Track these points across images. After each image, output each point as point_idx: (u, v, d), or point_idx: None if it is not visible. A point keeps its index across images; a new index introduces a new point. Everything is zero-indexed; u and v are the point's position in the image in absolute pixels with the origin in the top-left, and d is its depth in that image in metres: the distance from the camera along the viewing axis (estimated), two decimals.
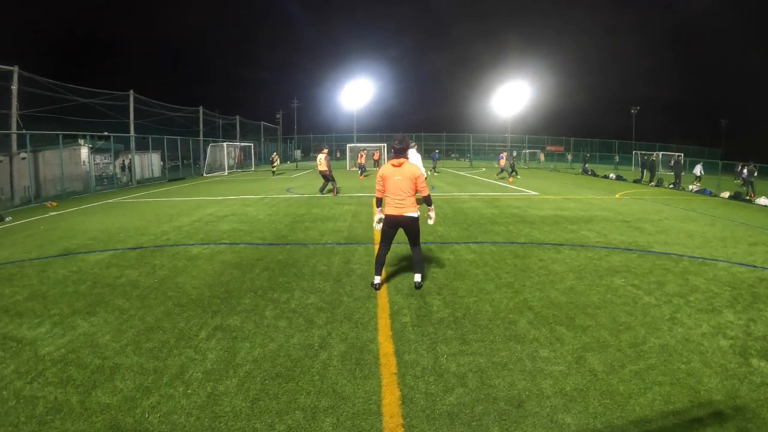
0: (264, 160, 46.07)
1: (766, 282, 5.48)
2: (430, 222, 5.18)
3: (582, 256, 6.67)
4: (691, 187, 19.41)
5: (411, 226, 4.93)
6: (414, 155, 8.84)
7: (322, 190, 15.45)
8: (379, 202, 5.00)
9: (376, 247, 7.17)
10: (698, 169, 24.11)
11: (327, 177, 15.29)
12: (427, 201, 5.07)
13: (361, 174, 26.40)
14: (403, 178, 4.74)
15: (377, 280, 5.07)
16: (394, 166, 4.79)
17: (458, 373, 3.26)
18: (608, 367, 3.35)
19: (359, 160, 27.68)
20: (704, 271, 5.91)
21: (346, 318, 4.30)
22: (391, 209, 4.82)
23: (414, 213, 4.84)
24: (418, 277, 5.11)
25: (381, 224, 4.97)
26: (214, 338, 3.86)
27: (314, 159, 58.93)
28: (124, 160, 23.97)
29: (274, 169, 28.17)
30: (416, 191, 4.87)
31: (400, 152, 4.80)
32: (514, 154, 29.73)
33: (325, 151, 15.40)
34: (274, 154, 29.19)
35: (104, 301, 4.82)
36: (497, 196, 15.20)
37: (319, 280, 5.49)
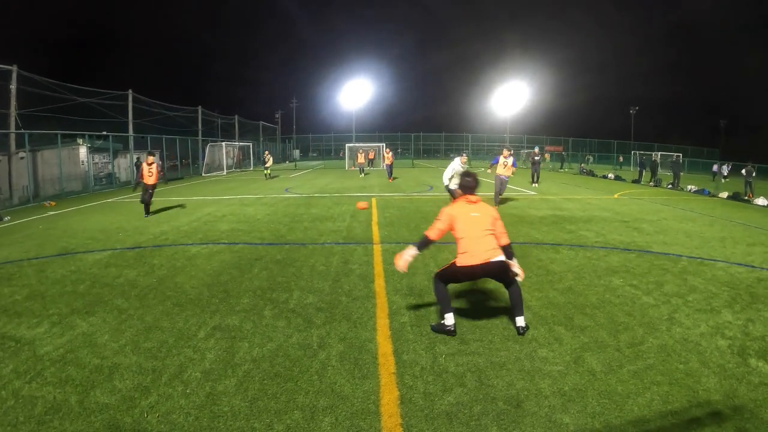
0: (263, 159, 46.03)
1: (764, 282, 5.49)
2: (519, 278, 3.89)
3: (580, 256, 6.67)
4: (689, 187, 19.45)
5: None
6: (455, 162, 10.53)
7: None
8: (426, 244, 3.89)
9: (375, 246, 7.18)
10: (725, 170, 24.14)
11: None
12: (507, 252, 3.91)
13: (361, 172, 26.27)
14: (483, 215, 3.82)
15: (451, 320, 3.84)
16: (470, 202, 3.87)
17: (457, 373, 3.27)
18: (607, 367, 3.35)
19: (359, 160, 27.20)
20: (703, 272, 5.92)
21: (345, 318, 4.30)
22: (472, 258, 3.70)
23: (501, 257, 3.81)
24: (521, 320, 3.91)
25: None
26: (212, 338, 3.86)
27: (314, 159, 58.84)
28: (138, 158, 23.96)
29: (267, 170, 24.73)
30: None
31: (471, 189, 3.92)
32: (536, 149, 22.44)
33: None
34: (266, 153, 25.73)
35: (103, 300, 4.82)
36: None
37: (317, 279, 5.49)
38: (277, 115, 66.81)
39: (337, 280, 5.48)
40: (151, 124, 26.58)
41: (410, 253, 3.82)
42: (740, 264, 6.36)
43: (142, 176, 10.49)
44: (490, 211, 3.91)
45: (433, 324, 4.00)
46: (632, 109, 63.38)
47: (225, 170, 32.04)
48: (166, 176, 26.13)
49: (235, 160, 38.15)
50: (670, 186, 21.01)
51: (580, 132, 63.74)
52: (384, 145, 33.55)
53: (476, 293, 4.97)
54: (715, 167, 29.66)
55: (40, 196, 16.18)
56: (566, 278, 5.54)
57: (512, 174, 12.28)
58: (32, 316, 4.40)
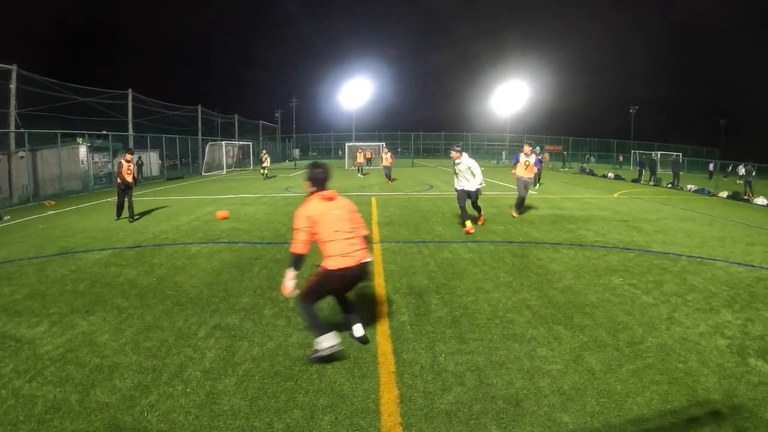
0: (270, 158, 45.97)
1: (763, 282, 5.50)
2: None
3: (580, 255, 6.68)
4: (689, 186, 19.46)
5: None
6: (467, 160, 8.21)
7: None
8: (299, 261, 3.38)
9: (375, 246, 7.19)
10: (741, 170, 24.26)
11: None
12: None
13: (360, 172, 25.21)
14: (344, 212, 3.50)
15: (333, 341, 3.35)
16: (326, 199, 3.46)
17: (456, 372, 3.27)
18: (606, 366, 3.36)
19: (358, 160, 25.68)
20: (702, 271, 5.92)
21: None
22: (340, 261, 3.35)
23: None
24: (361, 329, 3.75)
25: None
26: (212, 337, 3.87)
27: (314, 158, 58.90)
28: (140, 157, 23.97)
29: (265, 170, 23.52)
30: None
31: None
32: (537, 150, 18.88)
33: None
34: (264, 152, 24.27)
35: (103, 300, 4.82)
36: (495, 195, 15.22)
37: None
38: (277, 115, 66.80)
39: None
40: (150, 124, 26.59)
41: (290, 276, 3.38)
42: (740, 263, 6.36)
43: (121, 173, 9.77)
44: (349, 205, 3.62)
45: (311, 356, 3.42)
46: (632, 108, 63.35)
47: (225, 169, 32.04)
48: (167, 175, 26.14)
49: (235, 160, 38.14)
50: (669, 185, 21.02)
51: (580, 131, 63.69)
52: (383, 144, 33.23)
53: (475, 292, 4.98)
54: (711, 166, 30.26)
55: (40, 195, 16.18)
56: (566, 277, 5.54)
57: (534, 176, 10.65)
58: (32, 315, 4.40)
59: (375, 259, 6.38)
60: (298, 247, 3.32)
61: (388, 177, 20.82)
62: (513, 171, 10.22)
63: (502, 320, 4.21)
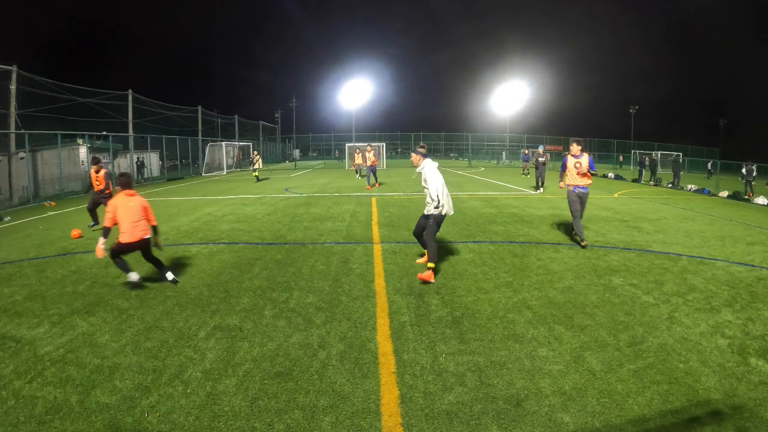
0: (262, 159, 45.99)
1: (764, 281, 5.50)
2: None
3: (580, 255, 6.68)
4: (689, 186, 19.47)
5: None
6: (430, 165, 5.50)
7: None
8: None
9: (375, 246, 7.19)
10: (754, 170, 24.27)
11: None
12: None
13: (359, 173, 22.75)
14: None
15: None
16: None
17: (457, 373, 3.27)
18: (606, 366, 3.36)
19: (356, 161, 22.09)
20: (703, 271, 5.92)
21: (345, 317, 4.30)
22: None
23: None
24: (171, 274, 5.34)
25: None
26: (213, 338, 3.87)
27: (314, 158, 58.89)
28: (139, 157, 23.96)
29: (256, 172, 22.24)
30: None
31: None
32: (541, 149, 18.67)
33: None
34: (255, 153, 23.11)
35: (103, 300, 4.82)
36: (496, 195, 15.22)
37: (317, 279, 5.49)
38: (276, 115, 66.82)
39: (337, 279, 5.48)
40: (150, 124, 26.60)
41: (101, 242, 4.99)
42: (740, 263, 6.36)
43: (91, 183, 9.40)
44: (142, 201, 5.17)
45: (124, 284, 5.19)
46: (632, 108, 63.39)
47: (225, 170, 32.05)
48: (167, 176, 26.13)
49: (235, 160, 38.15)
50: (669, 185, 21.02)
51: (580, 131, 63.78)
52: (383, 144, 33.05)
53: (475, 293, 4.98)
54: (709, 165, 30.43)
55: (40, 196, 16.18)
56: (566, 277, 5.54)
57: (590, 182, 7.20)
58: (32, 316, 4.40)
59: (375, 259, 6.38)
60: (107, 223, 4.95)
61: (372, 180, 17.88)
62: (561, 183, 7.78)
63: (503, 320, 4.21)
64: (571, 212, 7.50)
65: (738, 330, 4.03)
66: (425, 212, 5.47)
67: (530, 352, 3.58)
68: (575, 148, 7.43)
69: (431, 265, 5.29)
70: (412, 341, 3.78)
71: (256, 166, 22.28)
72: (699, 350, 3.62)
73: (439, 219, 5.40)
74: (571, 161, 7.43)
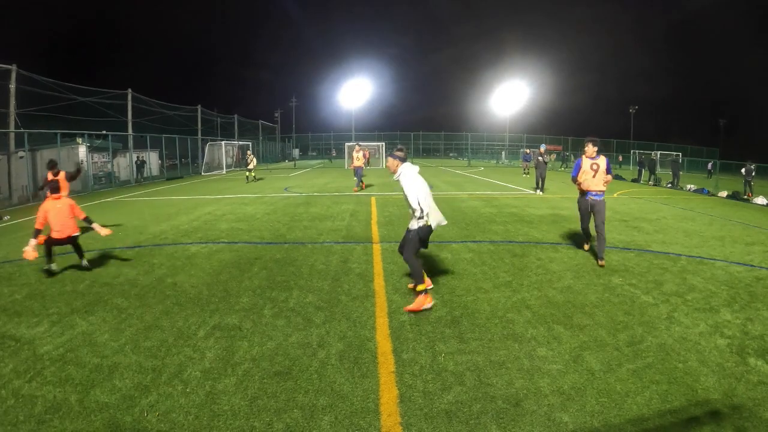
0: (262, 159, 46.01)
1: (763, 281, 5.50)
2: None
3: (580, 255, 6.68)
4: (689, 186, 19.48)
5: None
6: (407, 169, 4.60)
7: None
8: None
9: (375, 246, 7.19)
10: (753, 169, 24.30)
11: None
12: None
13: (359, 185, 16.69)
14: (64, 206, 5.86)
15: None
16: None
17: (456, 372, 3.27)
18: (606, 366, 3.36)
19: (355, 162, 17.16)
20: (702, 271, 5.92)
21: (345, 317, 4.30)
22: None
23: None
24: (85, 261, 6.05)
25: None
26: (212, 337, 3.87)
27: (314, 158, 58.91)
28: (139, 157, 23.93)
29: (251, 173, 21.61)
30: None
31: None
32: (543, 148, 16.30)
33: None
34: (249, 152, 22.64)
35: (102, 300, 4.82)
36: (495, 195, 15.22)
37: (317, 279, 5.49)
38: (276, 114, 66.82)
39: (336, 279, 5.48)
40: (150, 123, 26.60)
41: (32, 243, 5.50)
42: (739, 263, 6.37)
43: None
44: (70, 203, 5.94)
45: (44, 270, 5.83)
46: (632, 108, 63.40)
47: (224, 169, 32.03)
48: (166, 175, 26.10)
49: (234, 160, 38.15)
50: (669, 185, 21.03)
51: (579, 131, 63.85)
52: (383, 144, 33.03)
53: (474, 292, 4.98)
54: (709, 165, 30.43)
55: (39, 195, 16.16)
56: (565, 277, 5.55)
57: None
58: (32, 315, 4.40)
59: (374, 259, 6.38)
60: (38, 225, 5.67)
61: (358, 182, 16.23)
62: (579, 185, 6.50)
63: (502, 320, 4.21)
64: (581, 223, 6.64)
65: (737, 330, 4.03)
66: (409, 226, 4.60)
67: (529, 352, 3.58)
68: (590, 149, 6.44)
69: (421, 287, 4.44)
70: (412, 341, 3.78)
71: (251, 165, 21.96)
72: (698, 350, 3.63)
73: (424, 233, 4.47)
74: (586, 162, 6.42)
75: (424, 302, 4.44)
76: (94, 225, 6.13)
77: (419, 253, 4.64)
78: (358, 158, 16.70)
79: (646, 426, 2.67)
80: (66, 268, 6.05)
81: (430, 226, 4.49)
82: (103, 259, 6.57)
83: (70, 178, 9.05)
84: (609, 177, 6.32)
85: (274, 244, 7.38)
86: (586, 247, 6.86)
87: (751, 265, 6.25)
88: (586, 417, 2.75)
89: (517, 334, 3.90)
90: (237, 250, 7.01)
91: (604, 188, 6.32)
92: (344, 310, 4.46)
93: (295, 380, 3.17)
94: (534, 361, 3.43)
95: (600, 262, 6.11)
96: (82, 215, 6.05)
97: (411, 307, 4.45)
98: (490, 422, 2.70)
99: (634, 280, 5.46)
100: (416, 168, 4.62)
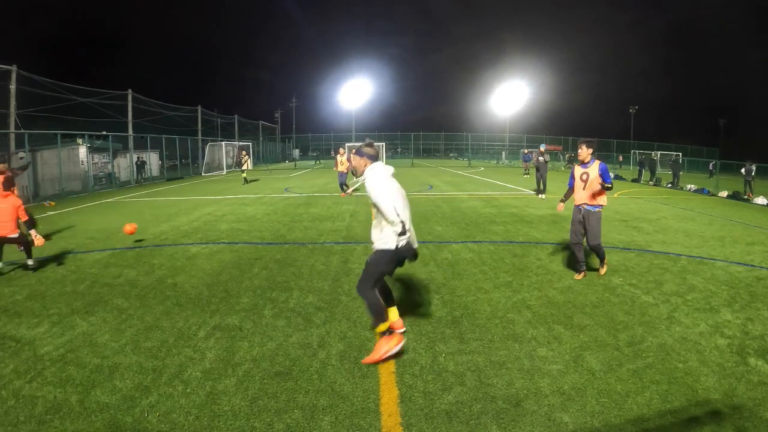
0: (262, 159, 46.03)
1: (763, 281, 5.50)
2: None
3: None
4: (689, 186, 19.47)
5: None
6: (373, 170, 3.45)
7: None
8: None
9: None
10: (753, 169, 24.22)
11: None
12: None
13: (345, 190, 14.85)
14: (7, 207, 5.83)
15: None
16: None
17: (456, 372, 3.27)
18: (606, 366, 3.36)
19: (339, 167, 15.41)
20: (702, 271, 5.92)
21: (345, 317, 4.30)
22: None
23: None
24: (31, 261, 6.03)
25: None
26: (212, 337, 3.87)
27: (314, 158, 58.99)
28: (140, 157, 23.93)
29: (244, 173, 20.99)
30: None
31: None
32: (542, 148, 16.09)
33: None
34: (243, 153, 21.98)
35: (103, 300, 4.82)
36: (495, 195, 15.22)
37: (317, 279, 5.49)
38: (276, 115, 66.83)
39: (336, 279, 5.48)
40: (150, 124, 26.61)
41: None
42: (739, 263, 6.37)
43: None
44: (14, 202, 5.88)
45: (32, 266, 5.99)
46: (632, 108, 63.40)
47: (225, 170, 32.03)
48: (167, 176, 26.09)
49: (234, 160, 38.15)
50: (669, 185, 21.03)
51: (579, 131, 63.81)
52: (384, 144, 32.93)
53: (475, 293, 4.98)
54: (711, 166, 30.34)
55: (39, 196, 16.16)
56: (565, 277, 5.54)
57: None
58: (32, 316, 4.40)
59: None
60: None
61: (343, 188, 14.69)
62: (560, 203, 5.88)
63: (502, 320, 4.21)
64: (570, 237, 5.70)
65: (737, 330, 4.03)
66: (374, 246, 3.39)
67: (530, 352, 3.58)
68: (583, 151, 5.46)
69: (382, 327, 3.42)
70: (412, 341, 3.78)
71: (245, 167, 21.36)
72: (698, 350, 3.63)
73: (389, 256, 3.34)
74: (577, 171, 5.55)
75: (389, 346, 3.40)
76: (33, 231, 5.95)
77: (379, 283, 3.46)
78: (342, 162, 14.99)
79: (646, 426, 2.67)
80: (66, 269, 6.06)
81: (411, 245, 3.41)
82: (103, 259, 6.57)
83: (12, 177, 7.80)
84: (602, 188, 5.24)
85: (274, 245, 7.38)
86: (578, 276, 5.50)
87: (752, 265, 6.25)
88: (587, 417, 2.75)
89: (518, 335, 3.90)
90: (237, 250, 7.01)
91: (597, 202, 5.39)
92: (344, 311, 4.46)
93: (295, 380, 3.17)
94: (534, 362, 3.43)
95: (601, 270, 5.66)
96: (25, 218, 5.98)
97: (369, 358, 3.42)
98: (490, 422, 2.70)
99: (634, 280, 5.46)
100: (390, 169, 3.54)
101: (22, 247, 6.04)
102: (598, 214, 5.44)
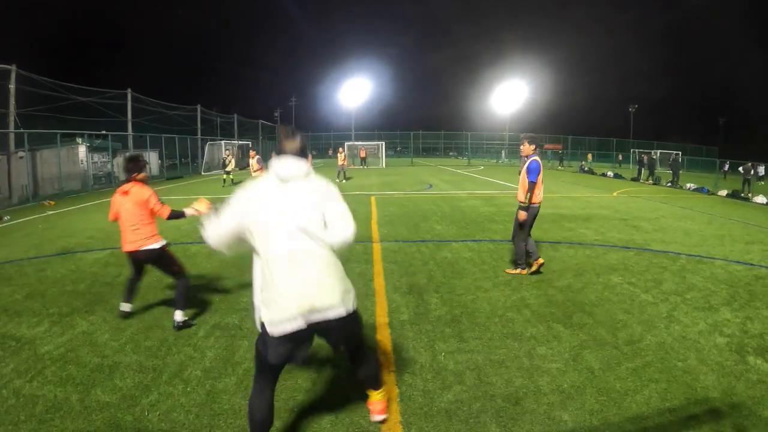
0: (262, 158, 45.93)
1: (762, 280, 5.51)
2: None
3: (579, 254, 6.69)
4: (688, 185, 19.48)
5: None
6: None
7: None
8: None
9: (375, 245, 7.19)
10: (761, 170, 24.11)
11: None
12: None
13: (338, 177, 19.68)
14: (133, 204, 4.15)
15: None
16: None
17: (456, 371, 3.28)
18: (605, 364, 3.37)
19: (339, 161, 20.55)
20: (701, 269, 5.93)
21: None
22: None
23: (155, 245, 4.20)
24: (179, 315, 4.03)
25: None
26: (212, 336, 3.87)
27: (314, 157, 58.73)
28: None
29: (228, 175, 19.67)
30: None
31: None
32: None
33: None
34: (227, 153, 20.67)
35: (103, 299, 4.82)
36: (495, 194, 15.23)
37: None
38: (276, 114, 66.86)
39: None
40: (150, 123, 26.56)
41: None
42: (739, 262, 6.38)
43: None
44: (141, 194, 4.24)
45: None
46: (631, 107, 63.41)
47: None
48: (166, 175, 26.09)
49: (234, 159, 38.09)
50: (669, 184, 21.04)
51: (579, 130, 63.78)
52: (383, 143, 33.05)
53: (474, 291, 4.99)
54: (726, 166, 29.75)
55: (39, 195, 16.15)
56: (565, 276, 5.55)
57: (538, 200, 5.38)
58: (32, 315, 4.41)
59: (374, 258, 6.39)
60: None
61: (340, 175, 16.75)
62: (523, 214, 5.44)
63: (502, 319, 4.22)
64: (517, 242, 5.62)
65: (736, 328, 4.04)
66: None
67: (529, 351, 3.59)
68: (525, 147, 5.45)
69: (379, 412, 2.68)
70: (411, 340, 3.79)
71: (229, 168, 19.65)
72: (697, 348, 3.64)
73: (258, 340, 2.32)
74: (522, 171, 5.44)
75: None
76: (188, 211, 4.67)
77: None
78: (342, 158, 17.71)
79: (645, 424, 2.68)
80: (65, 268, 6.06)
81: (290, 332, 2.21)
82: (103, 258, 6.57)
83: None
84: (527, 183, 5.21)
85: None
86: (534, 266, 5.48)
87: (751, 264, 6.26)
88: (586, 415, 2.75)
89: (517, 333, 3.91)
90: None
91: (521, 198, 5.36)
92: None
93: (295, 379, 3.18)
94: (534, 360, 3.43)
95: (508, 270, 5.61)
96: (165, 211, 4.99)
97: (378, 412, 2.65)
98: (489, 421, 2.70)
99: (633, 278, 5.47)
100: (287, 170, 2.25)
101: (174, 274, 4.19)
102: (518, 212, 5.43)
